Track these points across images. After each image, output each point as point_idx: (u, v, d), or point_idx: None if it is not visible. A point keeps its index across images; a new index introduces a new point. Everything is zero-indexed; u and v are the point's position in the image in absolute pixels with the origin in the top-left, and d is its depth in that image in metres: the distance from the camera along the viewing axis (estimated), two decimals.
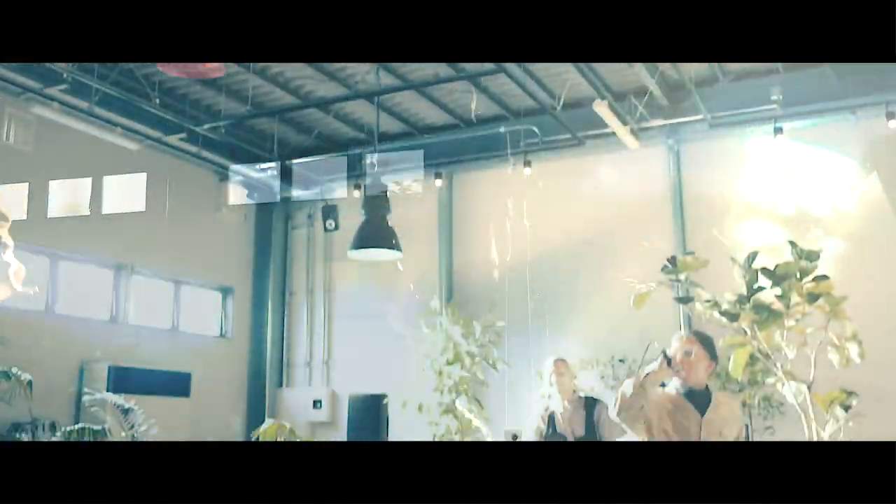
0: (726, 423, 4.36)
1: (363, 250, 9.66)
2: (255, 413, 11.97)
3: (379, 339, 11.67)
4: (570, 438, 6.22)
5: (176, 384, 10.41)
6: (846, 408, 7.25)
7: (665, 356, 4.37)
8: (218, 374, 11.57)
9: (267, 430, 9.37)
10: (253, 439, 9.62)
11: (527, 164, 10.52)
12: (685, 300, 7.97)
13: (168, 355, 10.66)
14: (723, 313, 7.47)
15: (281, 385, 12.25)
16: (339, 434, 11.34)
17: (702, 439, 4.22)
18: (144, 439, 8.76)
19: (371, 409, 9.54)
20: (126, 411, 8.80)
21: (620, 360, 10.04)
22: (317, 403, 11.89)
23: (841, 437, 7.19)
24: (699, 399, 4.37)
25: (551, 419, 6.39)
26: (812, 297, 7.24)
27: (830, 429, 7.25)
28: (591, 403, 6.42)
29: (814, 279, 7.24)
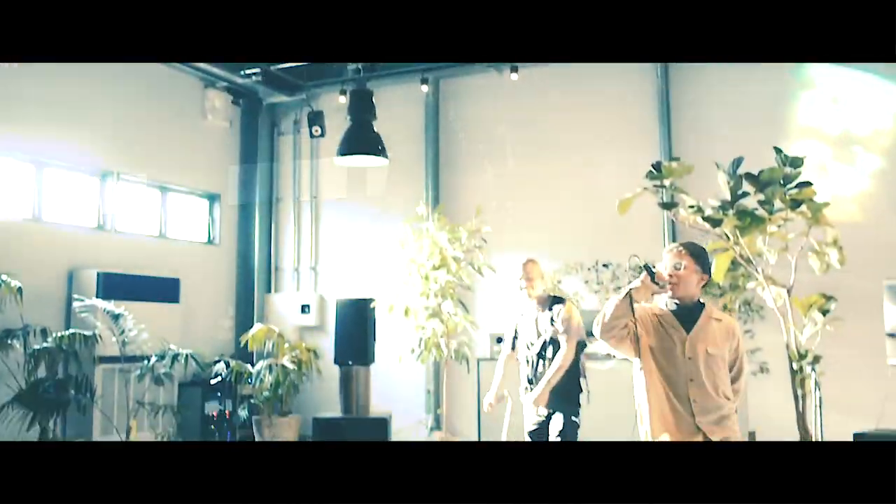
0: (708, 340, 4.16)
1: (349, 156, 9.65)
2: (244, 318, 12.10)
3: (366, 245, 11.76)
4: (537, 339, 6.31)
5: (165, 290, 10.48)
6: (824, 312, 7.40)
7: (649, 272, 4.24)
8: (206, 280, 11.66)
9: (256, 335, 9.55)
10: (242, 344, 9.79)
11: (514, 70, 10.43)
12: (669, 206, 8.04)
13: (156, 262, 10.72)
14: (706, 219, 7.56)
15: (269, 290, 12.36)
16: (328, 337, 11.48)
17: (685, 356, 4.10)
18: (135, 344, 8.89)
19: (358, 312, 9.63)
20: (116, 317, 8.90)
21: (605, 265, 10.15)
22: (305, 308, 12.02)
23: (818, 341, 7.37)
24: (691, 314, 4.23)
25: (522, 317, 6.47)
26: (795, 204, 7.32)
27: (808, 332, 7.43)
28: (555, 302, 6.38)
29: (797, 185, 7.32)
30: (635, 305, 4.18)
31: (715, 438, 3.93)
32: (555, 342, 6.14)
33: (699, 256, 4.34)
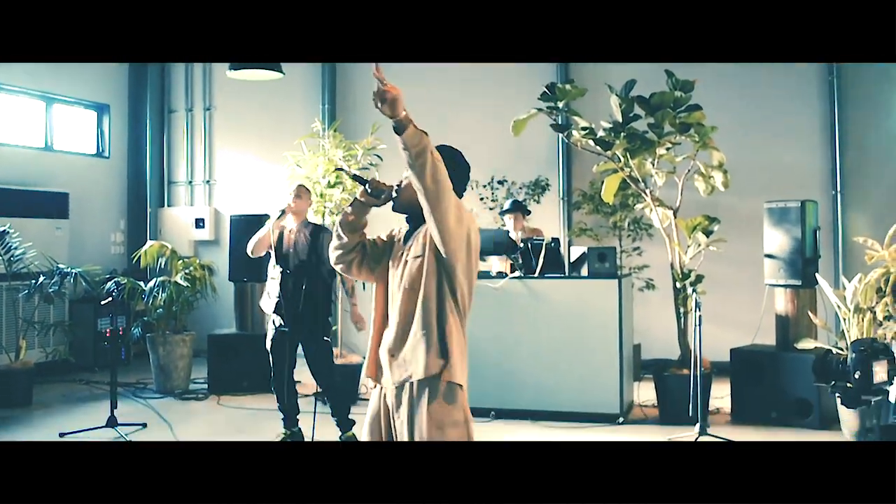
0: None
1: (243, 70, 9.40)
2: (137, 233, 11.86)
3: (260, 160, 11.58)
4: (292, 254, 6.85)
5: (53, 205, 10.18)
6: (707, 233, 7.70)
7: (361, 182, 3.70)
8: (97, 194, 11.34)
9: (148, 251, 9.38)
10: (134, 260, 9.61)
11: None
12: (561, 128, 8.15)
13: (43, 176, 10.36)
14: (597, 142, 7.71)
15: (162, 205, 12.10)
16: (223, 252, 11.35)
17: None
18: (21, 262, 8.64)
19: (253, 229, 9.47)
20: (1, 234, 8.62)
21: (500, 182, 10.24)
22: (199, 222, 11.84)
23: (701, 261, 7.66)
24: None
25: (280, 234, 7.03)
26: (684, 128, 7.52)
27: (692, 252, 7.72)
28: (316, 231, 6.93)
29: (686, 109, 7.50)
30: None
31: (397, 376, 3.52)
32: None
33: (448, 161, 3.59)
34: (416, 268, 3.49)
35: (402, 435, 3.48)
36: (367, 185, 3.64)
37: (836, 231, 9.56)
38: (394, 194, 3.64)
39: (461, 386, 3.46)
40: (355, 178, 3.73)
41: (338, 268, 3.73)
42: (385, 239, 3.77)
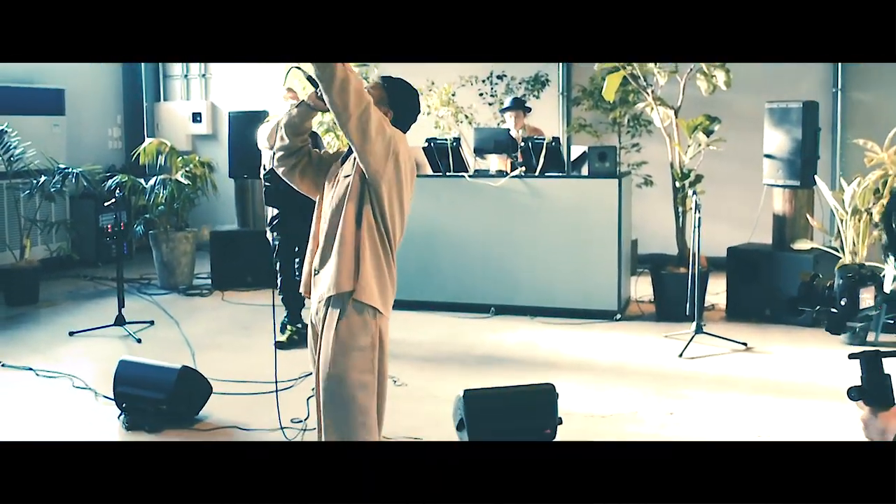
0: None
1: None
2: (134, 128, 11.81)
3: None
4: None
5: (49, 102, 10.10)
6: (708, 133, 7.72)
7: (314, 83, 3.50)
8: (92, 90, 11.23)
9: (147, 149, 9.40)
10: (133, 158, 9.62)
11: None
12: None
13: (37, 72, 10.23)
14: None
15: (158, 99, 12.01)
16: (221, 147, 11.34)
17: None
18: (21, 161, 8.64)
19: (252, 125, 9.45)
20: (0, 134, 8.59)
21: (499, 77, 10.16)
22: (196, 116, 11.77)
23: (701, 160, 7.69)
24: None
25: None
26: None
27: (692, 152, 7.76)
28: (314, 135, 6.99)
29: None
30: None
31: (316, 293, 3.59)
32: None
33: (391, 89, 3.65)
34: (343, 188, 3.49)
35: (318, 351, 3.56)
36: (317, 89, 3.47)
37: (835, 131, 9.56)
38: None
39: (377, 311, 3.47)
40: (310, 79, 3.57)
41: (279, 171, 3.68)
42: (331, 154, 3.78)
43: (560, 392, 4.79)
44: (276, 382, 4.86)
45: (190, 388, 5.39)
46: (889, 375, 2.31)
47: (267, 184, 5.82)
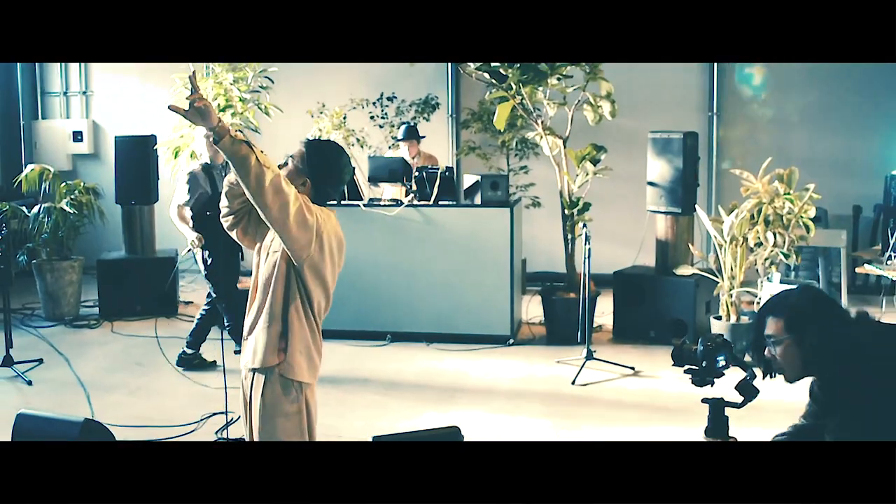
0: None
1: None
2: (10, 146, 11.40)
3: (142, 76, 11.19)
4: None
5: None
6: (595, 161, 8.01)
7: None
8: None
9: (30, 175, 9.11)
10: (14, 185, 9.31)
11: None
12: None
13: None
14: (492, 74, 7.84)
15: (36, 117, 11.61)
16: (104, 166, 11.08)
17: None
18: None
19: (140, 150, 9.29)
20: None
21: (389, 99, 10.24)
22: (77, 135, 11.44)
23: (588, 188, 7.98)
24: None
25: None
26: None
27: (580, 180, 8.03)
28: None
29: None
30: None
31: (245, 362, 3.66)
32: None
33: (310, 157, 3.62)
34: (271, 265, 3.55)
35: (248, 417, 3.67)
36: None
37: (711, 156, 10.05)
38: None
39: (303, 382, 3.58)
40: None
41: (232, 233, 3.72)
42: None
43: (460, 425, 4.93)
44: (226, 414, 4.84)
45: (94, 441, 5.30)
46: (727, 417, 3.21)
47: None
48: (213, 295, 7.32)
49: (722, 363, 3.21)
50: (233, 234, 3.76)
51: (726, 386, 3.23)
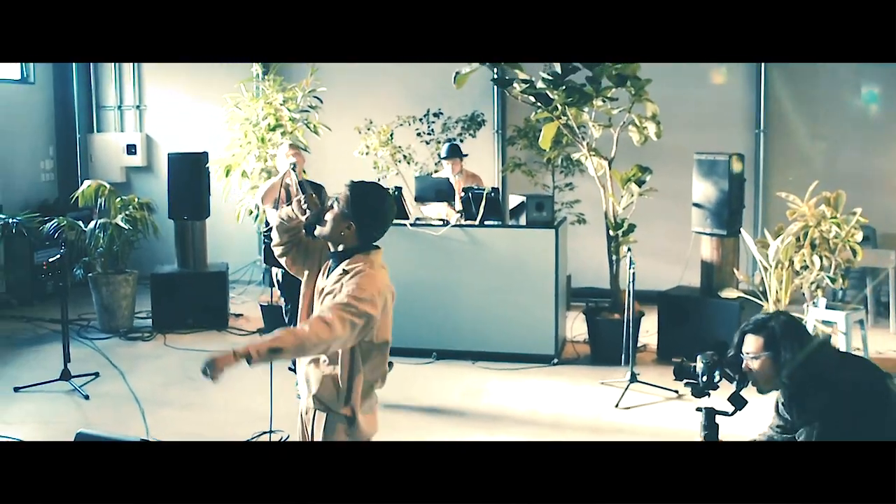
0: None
1: None
2: (66, 159, 11.71)
3: (193, 91, 11.43)
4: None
5: None
6: (640, 183, 8.05)
7: (303, 190, 3.89)
8: (23, 122, 11.09)
9: (86, 191, 9.36)
10: (72, 201, 9.57)
11: None
12: (504, 84, 8.32)
13: None
14: (537, 96, 7.92)
15: (91, 130, 11.90)
16: (156, 180, 11.33)
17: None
18: None
19: (192, 167, 9.51)
20: None
21: (436, 115, 10.35)
22: (130, 148, 11.71)
23: (633, 209, 8.02)
24: (335, 261, 3.72)
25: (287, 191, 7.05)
26: (620, 80, 7.76)
27: (625, 202, 8.08)
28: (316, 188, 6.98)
29: (622, 62, 7.72)
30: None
31: (308, 401, 3.76)
32: None
33: (354, 201, 3.66)
34: None
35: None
36: (304, 196, 3.78)
37: (758, 172, 10.01)
38: (314, 220, 3.72)
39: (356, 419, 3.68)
40: (301, 185, 3.95)
41: (281, 261, 3.90)
42: (317, 245, 3.84)
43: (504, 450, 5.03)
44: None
45: None
46: (718, 424, 3.77)
47: (267, 240, 6.01)
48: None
49: (717, 378, 3.75)
50: (282, 262, 3.92)
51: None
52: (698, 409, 3.76)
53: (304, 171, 7.23)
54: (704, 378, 3.75)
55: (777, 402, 3.84)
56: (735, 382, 3.72)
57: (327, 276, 3.72)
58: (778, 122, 10.06)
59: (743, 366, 3.69)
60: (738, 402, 3.68)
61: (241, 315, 9.82)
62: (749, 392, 3.80)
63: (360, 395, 3.66)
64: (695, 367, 3.80)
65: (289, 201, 7.06)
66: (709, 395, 3.79)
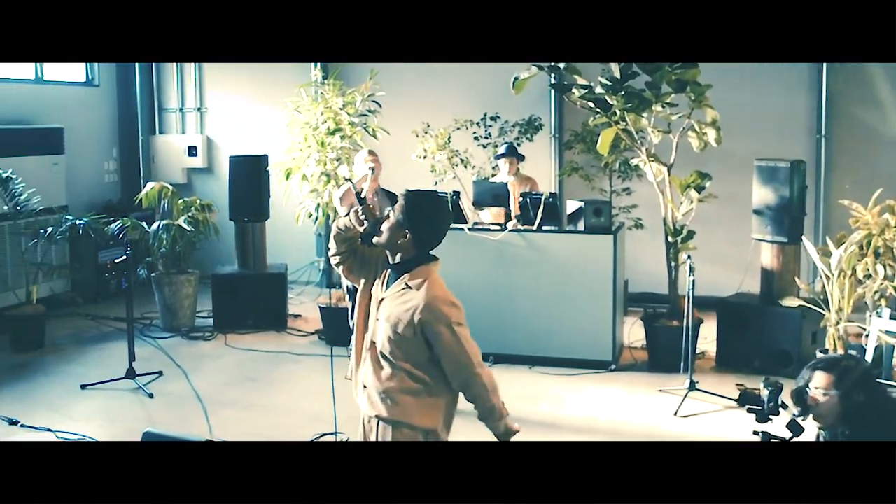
0: (393, 307, 3.74)
1: None
2: (129, 161, 11.95)
3: (250, 101, 11.62)
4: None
5: (49, 141, 10.20)
6: (699, 189, 8.00)
7: (359, 200, 4.02)
8: (88, 124, 11.34)
9: (149, 193, 9.56)
10: (136, 202, 9.78)
11: None
12: (563, 89, 8.32)
13: (36, 109, 10.34)
14: (596, 102, 7.91)
15: (154, 132, 12.14)
16: (217, 181, 11.53)
17: (375, 316, 3.84)
18: (27, 209, 8.78)
19: (253, 169, 9.67)
20: (4, 181, 8.73)
21: (493, 118, 10.37)
22: (191, 150, 11.91)
23: (692, 216, 7.98)
24: (395, 271, 3.82)
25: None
26: (680, 85, 7.73)
27: (684, 208, 8.04)
28: (391, 197, 7.07)
29: (682, 66, 7.68)
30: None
31: (366, 410, 3.82)
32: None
33: (410, 210, 3.77)
34: (401, 344, 3.69)
35: None
36: (361, 205, 3.91)
37: (819, 177, 9.87)
38: (371, 230, 3.84)
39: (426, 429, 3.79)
40: (358, 196, 4.05)
41: (338, 270, 4.01)
42: (373, 254, 3.94)
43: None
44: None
45: None
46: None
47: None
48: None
49: (780, 405, 3.88)
50: (339, 271, 4.02)
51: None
52: (755, 433, 3.84)
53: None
54: (769, 405, 3.87)
55: (817, 437, 3.93)
56: (797, 411, 3.82)
57: (386, 287, 3.81)
58: (840, 127, 9.90)
59: (808, 398, 3.77)
60: (795, 429, 3.77)
61: (300, 316, 9.95)
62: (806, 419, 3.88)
63: (447, 408, 3.80)
64: (759, 393, 3.92)
65: (390, 202, 7.21)
66: (771, 420, 3.91)
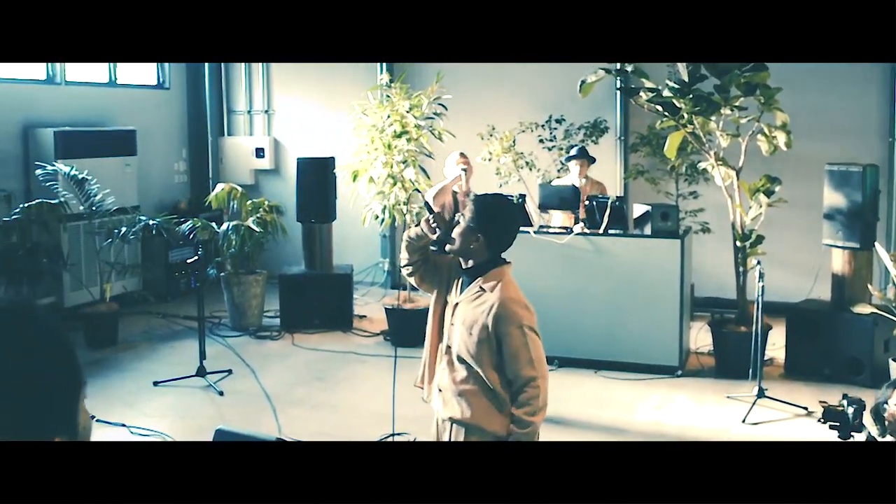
0: (468, 311, 3.81)
1: None
2: (199, 162, 12.18)
3: (317, 104, 11.77)
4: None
5: (122, 142, 10.44)
6: (769, 193, 7.91)
7: (429, 209, 4.23)
8: (159, 126, 11.59)
9: (219, 194, 9.74)
10: (206, 203, 9.98)
11: None
12: (630, 92, 8.29)
13: (108, 112, 10.60)
14: (664, 105, 7.87)
15: (222, 134, 12.35)
16: (283, 182, 11.69)
17: (450, 321, 3.92)
18: (102, 209, 9.01)
19: (320, 171, 9.80)
20: (80, 182, 8.96)
21: (558, 121, 10.37)
22: (259, 152, 12.10)
23: (761, 220, 7.89)
24: (467, 276, 3.91)
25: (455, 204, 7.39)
26: (749, 88, 7.65)
27: (753, 213, 7.95)
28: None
29: (752, 68, 7.60)
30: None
31: (445, 412, 3.86)
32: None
33: (479, 214, 3.83)
34: (475, 346, 3.74)
35: None
36: (432, 215, 3.99)
37: (892, 182, 9.68)
38: (444, 237, 3.91)
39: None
40: (426, 204, 4.29)
41: (410, 280, 4.11)
42: (445, 262, 4.02)
43: None
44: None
45: None
46: None
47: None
48: None
49: (862, 421, 3.96)
50: (411, 280, 4.11)
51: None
52: None
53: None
54: (854, 422, 3.95)
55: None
56: (876, 429, 3.93)
57: (460, 292, 3.87)
58: None
59: (886, 415, 3.86)
60: None
61: (365, 317, 10.05)
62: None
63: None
64: (844, 410, 4.00)
65: (455, 207, 7.29)
66: (853, 437, 3.97)
